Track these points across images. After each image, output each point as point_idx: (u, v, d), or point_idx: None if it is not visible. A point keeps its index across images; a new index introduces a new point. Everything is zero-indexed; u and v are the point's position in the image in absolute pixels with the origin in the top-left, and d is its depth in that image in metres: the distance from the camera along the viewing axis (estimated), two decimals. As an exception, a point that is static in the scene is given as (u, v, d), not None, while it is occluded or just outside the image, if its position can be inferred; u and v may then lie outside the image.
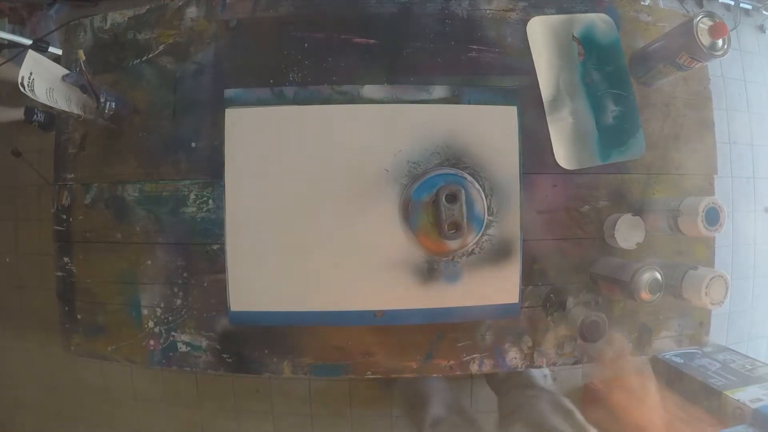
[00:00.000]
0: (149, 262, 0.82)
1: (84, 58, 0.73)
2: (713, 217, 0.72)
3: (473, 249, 0.81)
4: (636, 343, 0.87)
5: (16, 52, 1.24)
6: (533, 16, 0.85)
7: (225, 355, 0.82)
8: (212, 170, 0.81)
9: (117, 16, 0.86)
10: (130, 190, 0.83)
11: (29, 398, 1.69)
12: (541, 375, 1.11)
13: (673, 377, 1.65)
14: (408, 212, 0.78)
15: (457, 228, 0.74)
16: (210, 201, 0.82)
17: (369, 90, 0.81)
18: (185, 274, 0.82)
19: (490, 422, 1.71)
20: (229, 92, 0.81)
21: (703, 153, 0.89)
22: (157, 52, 0.84)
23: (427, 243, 0.78)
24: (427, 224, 0.77)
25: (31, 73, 0.69)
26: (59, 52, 1.11)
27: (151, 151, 0.83)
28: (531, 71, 0.84)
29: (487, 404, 1.71)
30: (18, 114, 1.69)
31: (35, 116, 1.68)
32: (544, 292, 0.84)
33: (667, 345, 0.89)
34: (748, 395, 1.41)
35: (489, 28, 0.84)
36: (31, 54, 0.71)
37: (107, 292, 0.84)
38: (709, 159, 0.89)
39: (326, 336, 0.82)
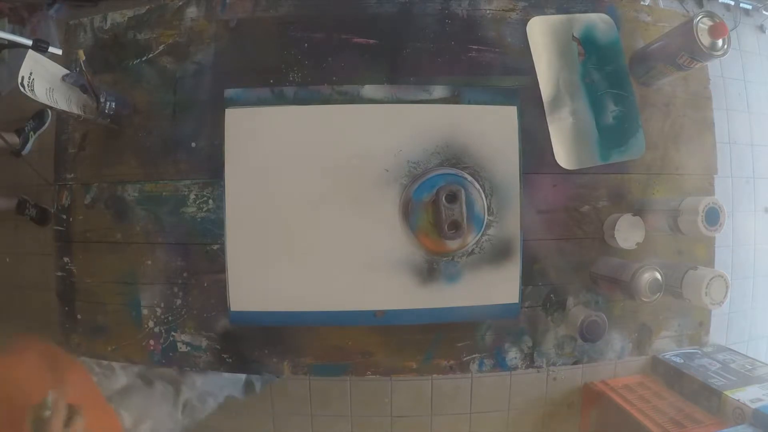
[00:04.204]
0: (149, 262, 0.82)
1: (84, 58, 0.73)
2: (713, 217, 0.72)
3: (473, 249, 0.81)
4: (636, 343, 0.87)
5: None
6: (533, 16, 0.85)
7: (225, 355, 0.82)
8: (212, 170, 0.81)
9: (117, 16, 0.86)
10: (130, 190, 0.83)
11: (29, 398, 1.69)
12: None
13: (673, 377, 1.65)
14: (408, 212, 0.78)
15: (457, 228, 0.74)
16: (210, 201, 0.82)
17: (369, 90, 0.81)
18: (185, 274, 0.82)
19: (490, 422, 1.71)
20: (229, 92, 0.81)
21: (703, 153, 0.89)
22: (157, 52, 0.84)
23: (427, 243, 0.78)
24: (427, 224, 0.77)
25: (31, 73, 0.69)
26: (59, 52, 1.11)
27: (151, 151, 0.83)
28: (531, 71, 0.84)
29: (487, 404, 1.71)
30: (10, 204, 1.70)
31: (27, 210, 1.69)
32: (544, 292, 0.84)
33: (667, 345, 0.89)
34: (748, 395, 1.41)
35: (489, 28, 0.84)
36: (31, 54, 0.71)
37: (107, 292, 0.84)
38: (708, 159, 0.89)
39: (326, 336, 0.82)
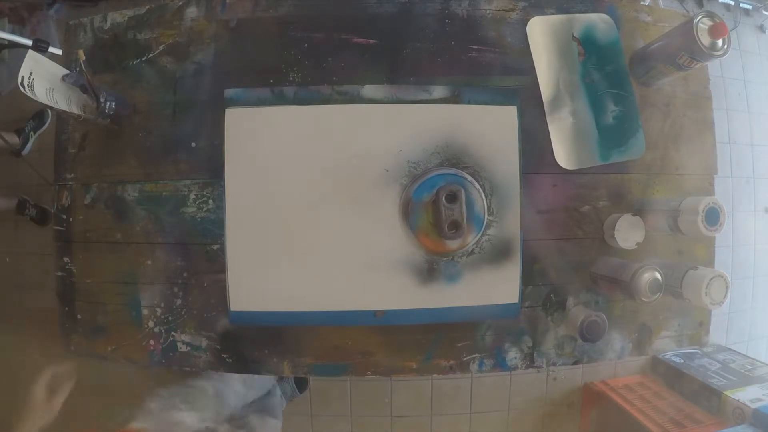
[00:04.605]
0: (149, 262, 0.82)
1: (84, 58, 0.73)
2: (713, 217, 0.72)
3: (473, 249, 0.81)
4: (636, 343, 0.87)
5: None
6: (533, 16, 0.85)
7: (225, 355, 0.82)
8: (212, 170, 0.81)
9: (117, 16, 0.86)
10: (130, 190, 0.83)
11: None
12: None
13: (673, 377, 1.65)
14: (408, 212, 0.78)
15: (457, 228, 0.74)
16: (210, 201, 0.82)
17: (369, 90, 0.81)
18: (185, 274, 0.82)
19: (490, 422, 1.71)
20: (229, 92, 0.81)
21: (703, 153, 0.89)
22: (157, 52, 0.84)
23: (427, 243, 0.78)
24: (427, 224, 0.77)
25: (31, 73, 0.69)
26: (59, 52, 1.11)
27: (151, 151, 0.83)
28: (531, 71, 0.84)
29: (487, 404, 1.72)
30: (10, 204, 1.71)
31: (27, 210, 1.69)
32: (544, 292, 0.84)
33: (667, 345, 0.89)
34: (748, 395, 1.42)
35: (489, 28, 0.84)
36: (31, 54, 0.71)
37: (107, 292, 0.84)
38: (708, 159, 0.89)
39: (326, 336, 0.82)
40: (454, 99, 0.82)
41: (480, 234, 0.79)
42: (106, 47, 0.86)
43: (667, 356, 1.70)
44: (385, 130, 0.80)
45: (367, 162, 0.80)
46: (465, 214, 0.74)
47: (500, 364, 0.84)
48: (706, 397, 1.49)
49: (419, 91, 0.82)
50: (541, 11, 0.85)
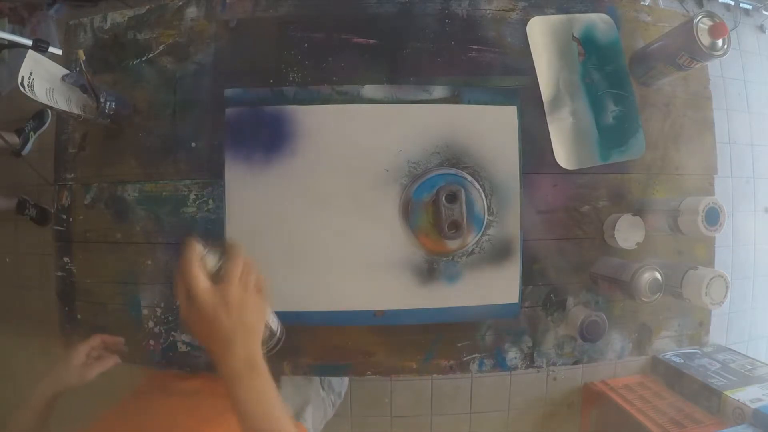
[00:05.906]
0: (149, 262, 0.82)
1: (84, 58, 0.73)
2: (713, 217, 0.72)
3: (473, 249, 0.81)
4: (636, 343, 0.87)
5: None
6: (533, 16, 0.85)
7: (225, 355, 0.82)
8: (212, 170, 0.81)
9: (117, 16, 0.86)
10: (130, 190, 0.83)
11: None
12: None
13: (673, 377, 1.65)
14: (408, 212, 0.78)
15: (457, 228, 0.74)
16: (210, 201, 0.82)
17: (369, 90, 0.81)
18: (185, 274, 0.82)
19: (490, 422, 1.71)
20: (229, 92, 0.81)
21: (703, 153, 0.89)
22: (157, 52, 0.84)
23: (427, 243, 0.78)
24: (427, 224, 0.77)
25: (30, 73, 0.69)
26: (59, 52, 1.11)
27: (151, 151, 0.83)
28: (531, 71, 0.84)
29: (487, 404, 1.72)
30: (10, 204, 1.71)
31: (27, 210, 1.69)
32: (544, 292, 0.84)
33: (667, 345, 0.89)
34: (748, 395, 1.42)
35: (489, 28, 0.84)
36: (31, 54, 0.71)
37: (107, 292, 0.84)
38: (708, 159, 0.89)
39: (326, 336, 0.82)
40: (454, 99, 0.82)
41: (480, 234, 0.79)
42: (106, 47, 0.86)
43: (667, 356, 1.70)
44: (385, 130, 0.80)
45: (367, 162, 0.80)
46: (465, 214, 0.75)
47: (500, 364, 0.84)
48: (706, 397, 1.49)
49: (419, 91, 0.82)
50: (541, 11, 0.85)
